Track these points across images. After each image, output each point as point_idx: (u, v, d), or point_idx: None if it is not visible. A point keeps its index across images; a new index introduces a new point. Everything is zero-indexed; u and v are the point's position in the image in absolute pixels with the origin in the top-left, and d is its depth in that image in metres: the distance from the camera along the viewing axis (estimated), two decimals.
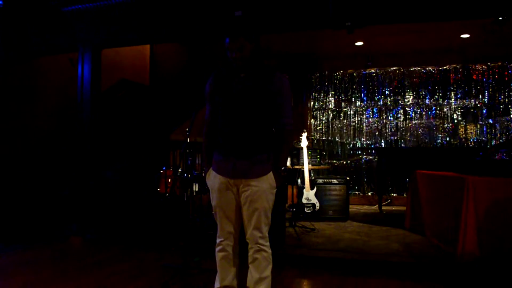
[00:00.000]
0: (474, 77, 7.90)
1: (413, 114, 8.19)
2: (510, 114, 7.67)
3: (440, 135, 8.02)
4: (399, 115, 8.27)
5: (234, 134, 2.58)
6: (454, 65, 7.98)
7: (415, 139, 8.13)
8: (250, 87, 2.56)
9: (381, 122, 8.35)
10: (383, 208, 7.14)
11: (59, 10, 5.49)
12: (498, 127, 7.72)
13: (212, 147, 2.72)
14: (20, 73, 5.45)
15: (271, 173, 2.59)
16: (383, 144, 8.30)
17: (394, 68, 8.28)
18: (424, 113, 8.13)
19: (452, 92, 8.00)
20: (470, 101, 7.90)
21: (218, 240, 2.70)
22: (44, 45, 5.62)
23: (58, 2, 5.42)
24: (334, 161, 8.54)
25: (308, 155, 6.27)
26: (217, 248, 2.70)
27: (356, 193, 8.37)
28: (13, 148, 5.35)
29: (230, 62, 2.60)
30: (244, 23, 4.77)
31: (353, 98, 8.53)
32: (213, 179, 2.67)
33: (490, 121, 7.75)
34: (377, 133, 8.36)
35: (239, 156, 2.56)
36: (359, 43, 7.42)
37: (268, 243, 2.60)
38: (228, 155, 2.59)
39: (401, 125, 8.25)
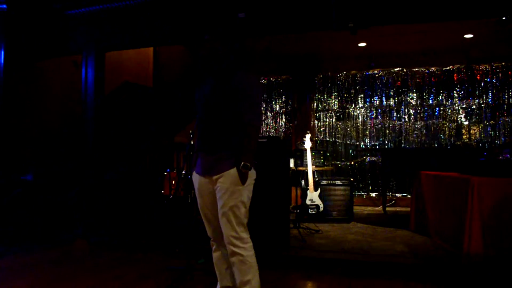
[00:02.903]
0: (478, 77, 7.88)
1: (417, 115, 8.17)
2: None
3: (443, 135, 7.99)
4: (403, 116, 8.25)
5: (202, 132, 2.69)
6: (458, 66, 7.97)
7: (418, 140, 8.12)
8: (214, 87, 2.67)
9: (385, 123, 8.34)
10: (388, 209, 7.12)
11: (62, 13, 5.52)
12: (502, 127, 7.69)
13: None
14: (24, 76, 5.47)
15: (234, 169, 2.56)
16: (387, 145, 8.28)
17: (398, 68, 8.27)
18: (427, 113, 8.11)
19: (455, 93, 7.99)
20: (474, 101, 7.88)
21: (211, 241, 2.77)
22: (47, 49, 5.64)
23: (61, 6, 5.45)
24: (338, 162, 8.53)
25: (312, 156, 6.27)
26: (212, 249, 2.77)
27: (360, 194, 8.36)
28: (18, 150, 5.37)
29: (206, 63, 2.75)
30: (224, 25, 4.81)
31: (356, 99, 8.52)
32: (194, 178, 2.78)
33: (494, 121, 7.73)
34: (380, 134, 8.35)
35: (206, 153, 2.65)
36: (362, 44, 7.41)
37: (246, 245, 2.55)
38: (199, 152, 2.71)
39: (405, 126, 8.23)
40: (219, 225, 2.63)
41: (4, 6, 5.20)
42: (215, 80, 2.69)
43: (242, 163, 2.53)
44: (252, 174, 2.64)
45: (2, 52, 5.21)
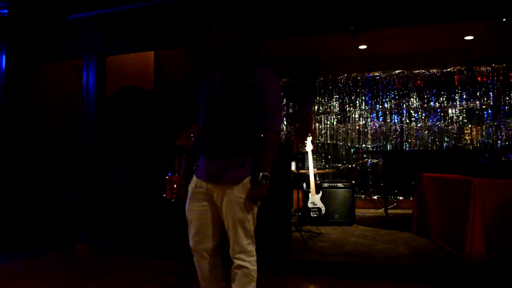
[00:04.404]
0: (479, 78, 7.89)
1: (418, 117, 8.17)
2: None
3: (444, 137, 7.99)
4: (404, 118, 8.25)
5: (209, 133, 2.37)
6: (458, 67, 7.98)
7: (420, 142, 8.11)
8: (229, 82, 2.33)
9: (386, 125, 8.34)
10: (389, 211, 7.11)
11: (63, 18, 5.54)
12: (503, 128, 7.69)
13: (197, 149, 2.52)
14: (25, 81, 5.48)
15: (247, 180, 2.30)
16: (388, 147, 8.28)
17: (398, 71, 8.28)
18: (428, 115, 8.11)
19: (456, 94, 7.99)
20: (475, 103, 7.88)
21: (191, 251, 2.52)
22: (49, 54, 5.66)
23: (62, 11, 5.46)
24: (339, 165, 8.53)
25: (313, 159, 6.27)
26: (194, 259, 2.54)
27: (361, 197, 8.35)
28: (20, 155, 5.38)
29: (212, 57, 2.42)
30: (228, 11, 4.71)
31: (357, 102, 8.53)
32: (191, 182, 2.50)
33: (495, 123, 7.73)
34: (382, 136, 8.35)
35: (212, 157, 2.35)
36: (362, 47, 7.42)
37: (251, 258, 2.36)
38: (204, 155, 2.40)
39: (406, 128, 8.23)
40: (206, 235, 2.44)
41: (5, 11, 5.22)
42: (228, 76, 2.35)
43: (261, 173, 2.25)
44: None
45: (4, 57, 5.23)
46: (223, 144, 2.31)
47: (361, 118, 8.50)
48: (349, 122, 8.58)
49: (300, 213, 6.03)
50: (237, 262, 2.35)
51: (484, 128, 7.81)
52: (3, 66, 5.23)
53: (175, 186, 5.14)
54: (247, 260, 2.34)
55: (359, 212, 7.34)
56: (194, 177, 2.48)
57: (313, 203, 6.09)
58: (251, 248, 2.37)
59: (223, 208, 2.34)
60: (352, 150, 8.53)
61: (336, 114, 8.66)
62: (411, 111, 8.22)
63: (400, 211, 7.65)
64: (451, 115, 8.00)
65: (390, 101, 8.34)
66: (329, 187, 6.20)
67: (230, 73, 2.36)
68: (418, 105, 8.19)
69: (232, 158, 2.31)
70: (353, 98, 8.56)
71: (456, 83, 7.99)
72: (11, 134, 5.29)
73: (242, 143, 2.31)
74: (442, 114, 8.05)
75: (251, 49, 2.40)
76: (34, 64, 5.59)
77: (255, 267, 2.38)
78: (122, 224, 5.38)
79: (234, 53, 2.36)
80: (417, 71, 8.19)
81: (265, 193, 2.30)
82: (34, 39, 5.53)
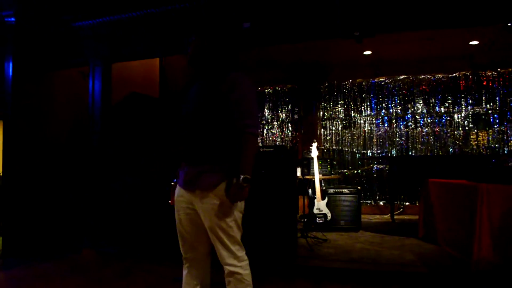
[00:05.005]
0: (484, 83, 7.86)
1: (423, 122, 8.14)
2: None
3: (450, 143, 7.96)
4: (410, 123, 8.23)
5: (187, 139, 2.39)
6: (464, 72, 7.95)
7: (425, 147, 8.08)
8: (202, 88, 2.38)
9: (391, 130, 8.32)
10: (396, 217, 7.08)
11: (70, 25, 5.59)
12: (510, 133, 7.65)
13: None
14: (32, 87, 5.52)
15: (222, 185, 2.26)
16: (394, 152, 8.26)
17: (403, 76, 8.27)
18: (433, 121, 8.08)
19: (462, 99, 7.96)
20: (481, 108, 7.85)
21: (182, 258, 2.54)
22: (55, 60, 5.70)
23: (69, 18, 5.51)
24: (345, 170, 8.50)
25: (319, 165, 6.26)
26: (183, 267, 2.56)
27: (367, 203, 8.31)
28: (25, 161, 5.40)
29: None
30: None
31: (362, 107, 8.52)
32: (176, 191, 2.54)
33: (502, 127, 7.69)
34: (387, 142, 8.33)
35: (188, 164, 2.37)
36: (367, 52, 7.42)
37: (243, 263, 2.32)
38: (182, 161, 2.44)
39: (412, 133, 8.21)
40: (194, 244, 2.46)
41: (13, 19, 5.28)
42: (203, 81, 2.40)
43: (242, 176, 2.18)
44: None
45: (11, 64, 5.28)
46: (198, 152, 2.32)
47: (366, 124, 8.48)
48: (354, 128, 8.56)
49: (306, 219, 6.01)
50: (228, 269, 2.30)
51: (490, 133, 7.77)
52: (11, 72, 5.27)
53: None
54: (238, 265, 2.30)
55: (365, 218, 7.31)
56: (177, 186, 2.52)
57: (319, 209, 6.08)
58: (241, 253, 2.33)
59: (201, 215, 2.33)
60: (357, 155, 8.51)
61: (341, 119, 8.65)
62: (417, 116, 8.20)
63: (406, 217, 7.61)
64: (457, 120, 7.96)
65: (395, 106, 8.32)
66: (335, 193, 6.18)
67: (204, 82, 2.39)
68: (423, 110, 8.16)
69: (207, 165, 2.30)
70: (358, 103, 8.55)
71: (461, 88, 7.97)
72: (19, 140, 5.32)
73: (217, 149, 2.29)
74: (448, 119, 8.02)
75: (225, 58, 2.43)
76: (41, 71, 5.63)
77: (248, 271, 2.33)
78: (128, 230, 5.39)
79: (209, 62, 2.40)
80: (422, 76, 8.17)
81: (246, 196, 2.24)
82: (41, 47, 5.58)
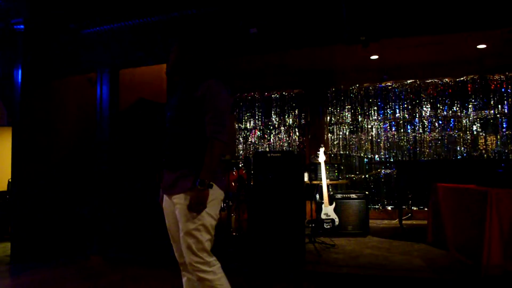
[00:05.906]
0: (492, 87, 7.82)
1: (431, 126, 8.11)
2: None
3: (459, 147, 7.91)
4: (417, 128, 8.20)
5: (166, 146, 2.47)
6: (472, 76, 7.91)
7: (433, 151, 8.04)
8: (180, 97, 2.45)
9: (399, 135, 8.29)
10: (404, 222, 7.03)
11: (78, 32, 5.64)
12: None
13: None
14: (40, 94, 5.56)
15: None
16: (401, 157, 8.22)
17: (411, 80, 8.24)
18: (441, 125, 8.04)
19: (470, 103, 7.92)
20: (489, 112, 7.80)
21: (179, 264, 2.56)
22: (63, 67, 5.75)
23: (77, 25, 5.56)
24: (352, 175, 8.48)
25: (326, 170, 6.25)
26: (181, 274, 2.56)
27: (375, 208, 8.27)
28: (34, 167, 5.44)
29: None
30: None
31: (369, 112, 8.50)
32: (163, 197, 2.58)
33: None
34: (395, 146, 8.29)
35: (168, 169, 2.43)
36: (374, 57, 7.42)
37: (213, 267, 2.27)
38: (163, 168, 2.49)
39: (420, 138, 8.17)
40: (179, 248, 2.46)
41: (22, 26, 5.33)
42: (180, 92, 2.48)
43: (198, 179, 2.23)
44: (214, 193, 2.31)
45: (20, 72, 5.33)
46: (175, 157, 2.38)
47: (373, 128, 8.46)
48: (361, 132, 8.54)
49: (313, 225, 5.99)
50: (197, 274, 2.27)
51: (499, 137, 7.72)
52: (19, 79, 5.32)
53: None
54: (208, 270, 2.26)
55: (373, 223, 7.27)
56: (161, 192, 2.58)
57: (327, 214, 6.05)
58: (210, 259, 2.29)
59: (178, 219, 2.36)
60: (365, 160, 8.49)
61: (349, 124, 8.63)
62: (424, 121, 8.17)
63: (414, 221, 7.56)
64: (465, 124, 7.92)
65: (402, 110, 8.29)
66: (343, 198, 6.16)
67: (183, 89, 2.46)
68: (431, 114, 8.13)
69: (182, 170, 2.34)
70: (365, 108, 8.53)
71: (469, 92, 7.93)
72: (26, 147, 5.36)
73: (191, 155, 2.34)
74: (456, 123, 7.98)
75: (200, 65, 2.51)
76: (49, 77, 5.68)
77: (219, 276, 2.28)
78: (137, 236, 5.40)
79: (185, 69, 2.49)
80: (430, 81, 8.15)
81: (203, 199, 2.24)
82: (49, 54, 5.63)
